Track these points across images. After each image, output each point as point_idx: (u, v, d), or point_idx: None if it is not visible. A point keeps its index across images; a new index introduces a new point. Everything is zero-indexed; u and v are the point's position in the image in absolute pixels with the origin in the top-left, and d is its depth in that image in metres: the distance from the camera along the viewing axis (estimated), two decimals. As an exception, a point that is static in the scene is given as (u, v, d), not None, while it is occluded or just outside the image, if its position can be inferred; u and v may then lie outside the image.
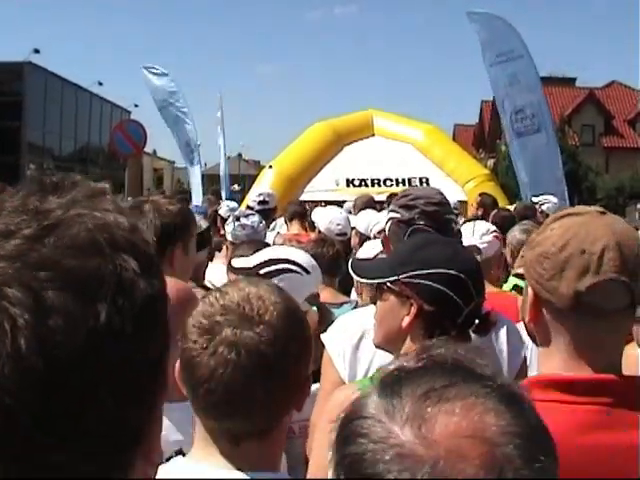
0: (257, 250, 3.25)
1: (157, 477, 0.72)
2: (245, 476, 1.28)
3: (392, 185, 10.47)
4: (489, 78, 10.91)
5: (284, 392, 1.29)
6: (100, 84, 45.09)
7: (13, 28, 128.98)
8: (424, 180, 10.75)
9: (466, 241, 3.20)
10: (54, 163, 41.16)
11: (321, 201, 8.47)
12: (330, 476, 0.74)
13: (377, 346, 1.95)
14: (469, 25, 10.81)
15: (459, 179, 10.96)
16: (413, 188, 2.84)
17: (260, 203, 6.27)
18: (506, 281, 3.90)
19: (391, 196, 6.99)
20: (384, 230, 4.45)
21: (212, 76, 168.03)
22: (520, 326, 2.33)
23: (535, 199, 7.63)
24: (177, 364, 1.33)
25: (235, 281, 1.47)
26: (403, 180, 10.84)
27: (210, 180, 14.00)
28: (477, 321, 1.82)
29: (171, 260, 2.27)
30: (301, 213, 5.99)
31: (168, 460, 1.61)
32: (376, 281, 1.98)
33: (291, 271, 2.52)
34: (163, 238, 2.25)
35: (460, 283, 1.79)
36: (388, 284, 1.90)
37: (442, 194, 2.56)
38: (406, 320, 1.85)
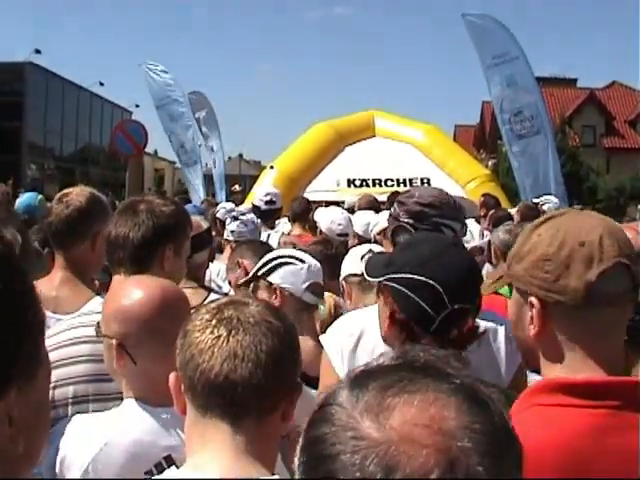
0: (256, 250, 3.29)
1: None
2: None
3: (393, 185, 10.45)
4: (486, 80, 10.89)
5: (279, 382, 1.33)
6: (101, 84, 45.18)
7: (14, 28, 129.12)
8: (425, 180, 10.74)
9: (471, 243, 3.19)
10: (55, 163, 41.19)
11: (322, 201, 8.45)
12: (296, 461, 0.77)
13: (384, 340, 1.93)
14: (463, 27, 10.81)
15: (460, 179, 10.95)
16: (418, 187, 2.81)
17: (267, 203, 6.16)
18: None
19: (392, 195, 6.99)
20: (383, 231, 4.45)
21: (213, 76, 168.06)
22: None
23: (536, 200, 7.63)
24: (171, 375, 1.38)
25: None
26: (404, 180, 10.83)
27: (211, 180, 13.95)
28: (455, 331, 1.73)
29: (161, 261, 2.27)
30: (303, 214, 5.98)
31: (156, 466, 1.60)
32: (369, 279, 1.97)
33: (286, 264, 2.58)
34: (154, 239, 2.26)
35: (429, 290, 1.71)
36: (379, 283, 1.89)
37: (442, 197, 2.49)
38: (386, 323, 1.85)
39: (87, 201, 2.66)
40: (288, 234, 5.83)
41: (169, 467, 1.51)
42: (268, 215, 6.03)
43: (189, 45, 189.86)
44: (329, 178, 11.17)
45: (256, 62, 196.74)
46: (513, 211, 6.75)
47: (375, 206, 6.39)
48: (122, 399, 1.74)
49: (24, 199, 5.63)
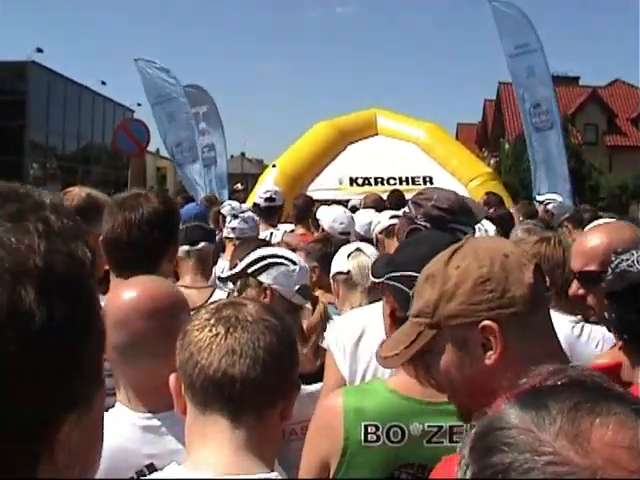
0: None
1: None
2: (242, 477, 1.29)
3: (395, 184, 10.44)
4: (508, 68, 10.95)
5: (277, 379, 1.35)
6: (103, 83, 45.26)
7: (16, 27, 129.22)
8: (427, 179, 10.74)
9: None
10: (57, 162, 41.18)
11: (328, 200, 8.44)
12: None
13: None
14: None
15: (462, 178, 10.93)
16: (435, 188, 2.79)
17: (267, 200, 6.05)
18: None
19: (392, 194, 6.99)
20: (385, 230, 4.44)
21: (213, 76, 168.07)
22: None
23: (540, 198, 7.61)
24: (172, 375, 1.39)
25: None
26: (407, 179, 10.83)
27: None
28: None
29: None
30: (307, 212, 5.97)
31: (138, 474, 1.60)
32: (373, 279, 1.98)
33: (278, 264, 2.58)
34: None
35: None
36: (382, 282, 1.90)
37: (459, 202, 2.50)
38: (387, 321, 1.86)
39: (82, 202, 2.67)
40: (292, 231, 5.83)
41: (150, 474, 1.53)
42: (268, 213, 5.95)
43: (191, 45, 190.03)
44: (331, 176, 11.16)
45: (257, 62, 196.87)
46: (513, 209, 6.76)
47: (380, 205, 6.38)
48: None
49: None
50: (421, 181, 10.62)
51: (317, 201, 6.78)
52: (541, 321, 1.36)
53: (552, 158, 10.67)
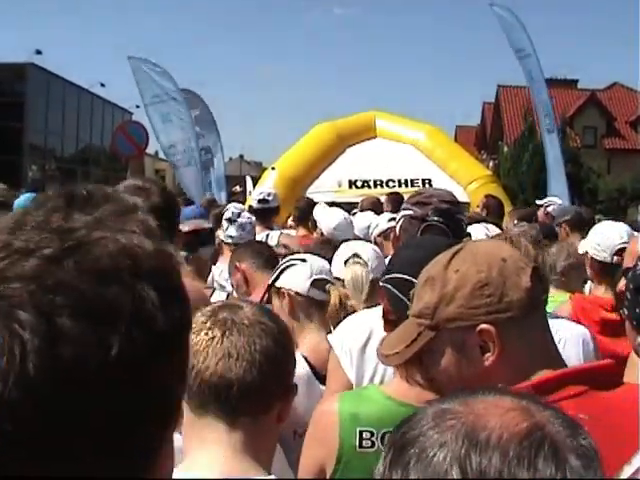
0: (253, 252, 3.31)
1: None
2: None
3: (394, 186, 10.44)
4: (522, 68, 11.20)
5: (274, 382, 1.36)
6: (102, 85, 45.22)
7: (15, 29, 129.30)
8: (427, 181, 10.72)
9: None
10: (56, 164, 41.20)
11: (331, 203, 8.43)
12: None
13: None
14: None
15: (462, 180, 10.93)
16: (428, 188, 3.01)
17: (260, 202, 5.79)
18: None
19: (389, 196, 6.99)
20: (383, 233, 4.44)
21: (212, 78, 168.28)
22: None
23: (539, 201, 7.62)
24: None
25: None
26: (406, 181, 10.82)
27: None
28: None
29: None
30: (308, 215, 5.92)
31: None
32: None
33: (289, 267, 2.63)
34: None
35: None
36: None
37: (453, 195, 2.66)
38: (382, 323, 1.86)
39: None
40: (293, 229, 5.80)
41: None
42: (263, 214, 5.67)
43: (190, 47, 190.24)
44: (330, 179, 11.16)
45: (257, 63, 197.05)
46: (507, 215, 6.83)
47: (378, 208, 6.37)
48: None
49: (22, 200, 5.60)
50: (420, 183, 10.60)
51: (317, 204, 6.76)
52: (538, 323, 1.38)
53: (554, 160, 10.82)
